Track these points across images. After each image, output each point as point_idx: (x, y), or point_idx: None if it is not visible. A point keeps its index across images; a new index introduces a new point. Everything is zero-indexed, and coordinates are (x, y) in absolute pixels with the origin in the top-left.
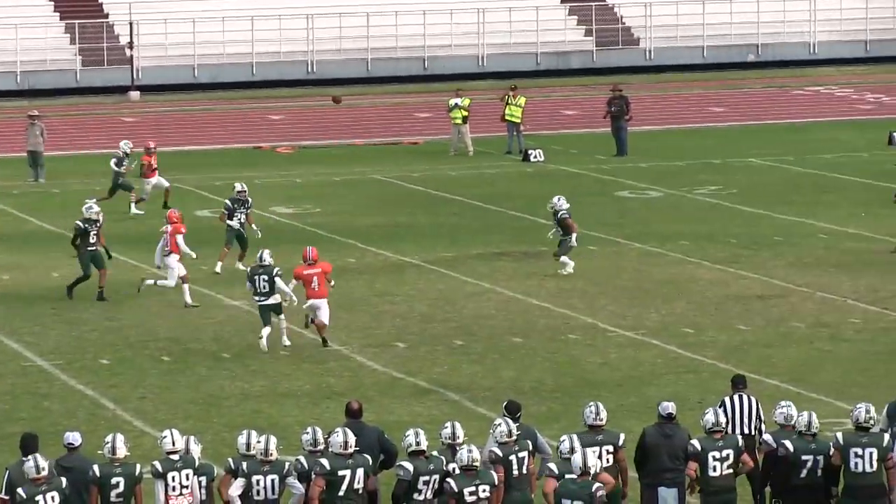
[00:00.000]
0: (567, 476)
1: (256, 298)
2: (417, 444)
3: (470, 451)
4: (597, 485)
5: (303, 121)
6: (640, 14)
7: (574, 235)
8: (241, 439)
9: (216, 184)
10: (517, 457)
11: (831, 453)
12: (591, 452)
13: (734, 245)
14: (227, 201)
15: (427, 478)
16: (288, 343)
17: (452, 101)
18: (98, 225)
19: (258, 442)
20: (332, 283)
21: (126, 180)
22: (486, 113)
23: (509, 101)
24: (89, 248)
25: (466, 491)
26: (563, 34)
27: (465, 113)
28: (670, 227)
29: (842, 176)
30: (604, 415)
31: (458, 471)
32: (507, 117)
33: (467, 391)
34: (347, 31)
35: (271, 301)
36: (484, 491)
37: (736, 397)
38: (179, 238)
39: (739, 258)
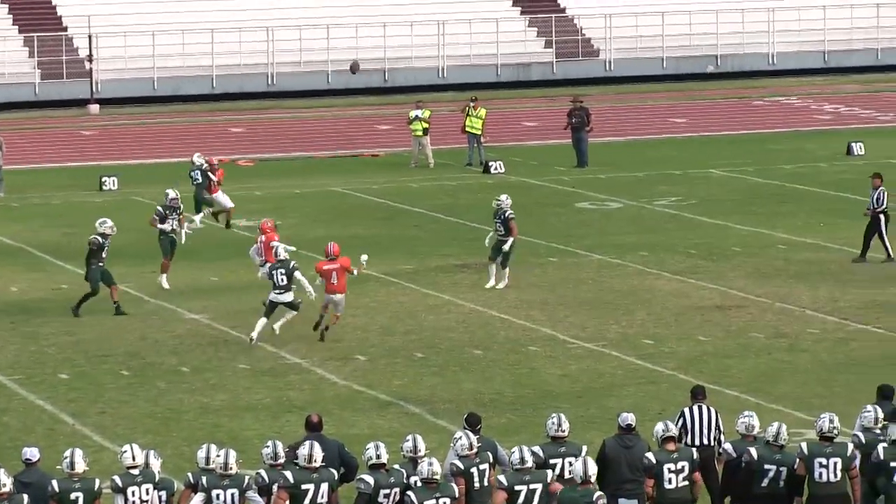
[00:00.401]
0: (569, 486)
1: (273, 293)
2: (378, 457)
3: (431, 463)
4: (598, 493)
5: (263, 133)
6: (600, 26)
7: (512, 240)
8: (201, 453)
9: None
10: (478, 469)
11: (796, 465)
12: (591, 461)
13: (694, 256)
14: (160, 207)
15: (388, 491)
16: (278, 332)
17: (413, 113)
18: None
19: (218, 456)
20: (356, 272)
21: (207, 195)
22: (446, 125)
23: (470, 113)
24: (100, 264)
25: (412, 480)
26: (523, 46)
27: (426, 125)
28: (630, 238)
29: (801, 186)
30: (566, 426)
31: (419, 484)
32: (467, 129)
33: (428, 404)
34: (308, 43)
35: (286, 298)
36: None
37: (696, 408)
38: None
39: (699, 269)
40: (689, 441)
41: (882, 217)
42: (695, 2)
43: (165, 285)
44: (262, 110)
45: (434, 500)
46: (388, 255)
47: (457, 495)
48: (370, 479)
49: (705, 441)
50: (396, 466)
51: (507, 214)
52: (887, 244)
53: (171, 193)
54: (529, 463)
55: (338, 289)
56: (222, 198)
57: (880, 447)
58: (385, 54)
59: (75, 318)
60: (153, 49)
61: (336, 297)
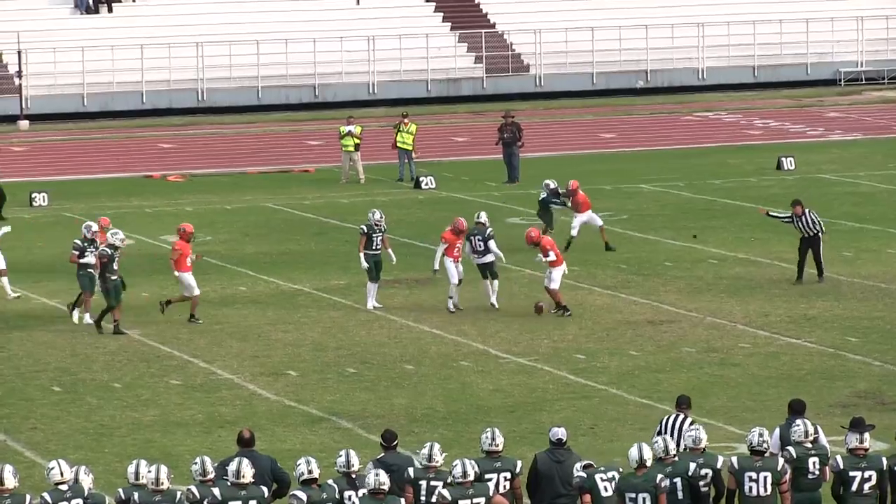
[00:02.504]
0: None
1: (474, 257)
2: (310, 472)
3: (377, 474)
4: (660, 476)
5: (193, 149)
6: (530, 41)
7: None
8: (131, 469)
9: (107, 213)
10: (428, 484)
11: (724, 476)
12: (646, 446)
13: (625, 271)
14: (78, 241)
15: None
16: (496, 306)
17: (344, 129)
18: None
19: (149, 472)
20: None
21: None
22: (377, 140)
23: (400, 129)
24: (113, 278)
25: (346, 494)
26: (453, 61)
27: (358, 140)
28: (561, 253)
29: (731, 201)
30: (500, 440)
31: (366, 494)
32: (398, 144)
33: (360, 419)
34: (237, 58)
35: (486, 259)
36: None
37: (673, 416)
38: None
39: (630, 284)
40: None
41: (821, 237)
42: (624, 17)
43: (75, 320)
44: (192, 126)
45: None
46: (319, 270)
47: None
48: (303, 495)
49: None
50: (330, 482)
51: (488, 233)
52: (822, 264)
53: (94, 227)
54: (471, 476)
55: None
56: (590, 216)
57: (838, 457)
58: (315, 70)
59: (99, 333)
60: (83, 65)
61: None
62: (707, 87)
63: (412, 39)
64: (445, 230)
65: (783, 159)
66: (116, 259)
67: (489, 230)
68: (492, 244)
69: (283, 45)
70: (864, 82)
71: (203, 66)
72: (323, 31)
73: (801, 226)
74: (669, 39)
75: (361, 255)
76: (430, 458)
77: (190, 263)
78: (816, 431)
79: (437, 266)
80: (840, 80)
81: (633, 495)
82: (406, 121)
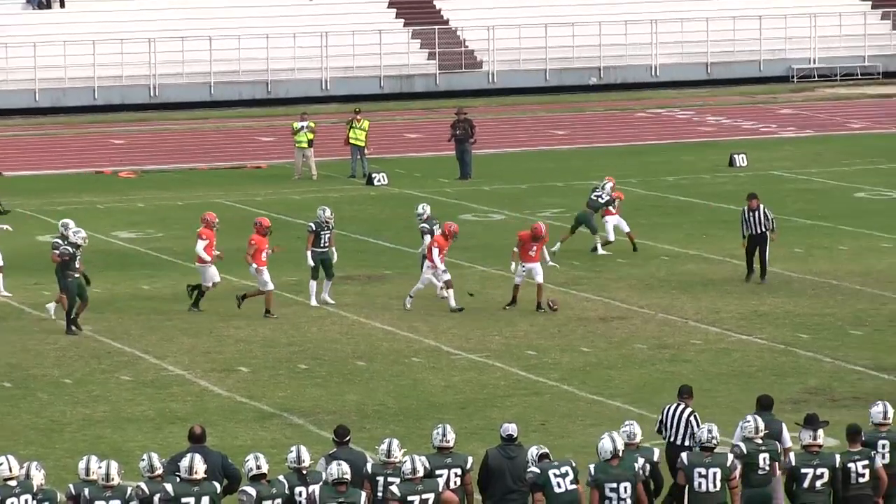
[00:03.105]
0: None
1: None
2: (258, 468)
3: (339, 464)
4: (642, 461)
5: (145, 145)
6: (483, 37)
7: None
8: (82, 464)
9: (58, 209)
10: (385, 480)
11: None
12: (617, 435)
13: (577, 267)
14: (58, 240)
15: (269, 502)
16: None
17: (298, 125)
18: (81, 250)
19: (99, 467)
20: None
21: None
22: (329, 137)
23: (353, 125)
24: (75, 276)
25: (297, 490)
26: (406, 57)
27: (311, 136)
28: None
29: (683, 198)
30: (451, 436)
31: (330, 481)
32: (350, 141)
33: (311, 415)
34: (190, 54)
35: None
36: (314, 492)
37: (674, 406)
38: (435, 251)
39: (582, 280)
40: (669, 438)
41: (768, 235)
42: (578, 14)
43: (52, 313)
44: (144, 122)
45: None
46: (271, 266)
47: (363, 502)
48: (252, 491)
49: (678, 441)
50: (280, 478)
51: (422, 227)
52: (767, 265)
53: (71, 224)
54: (421, 472)
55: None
56: (618, 220)
57: (792, 454)
58: (268, 66)
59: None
60: (35, 60)
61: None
62: (660, 84)
63: (365, 35)
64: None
65: (736, 156)
66: (78, 258)
67: (424, 226)
68: (427, 238)
69: (236, 42)
70: (816, 79)
71: (155, 61)
72: (275, 27)
73: (752, 221)
74: (623, 36)
75: (308, 252)
76: (388, 454)
77: (265, 258)
78: (781, 430)
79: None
80: (793, 77)
81: (615, 485)
82: (359, 117)
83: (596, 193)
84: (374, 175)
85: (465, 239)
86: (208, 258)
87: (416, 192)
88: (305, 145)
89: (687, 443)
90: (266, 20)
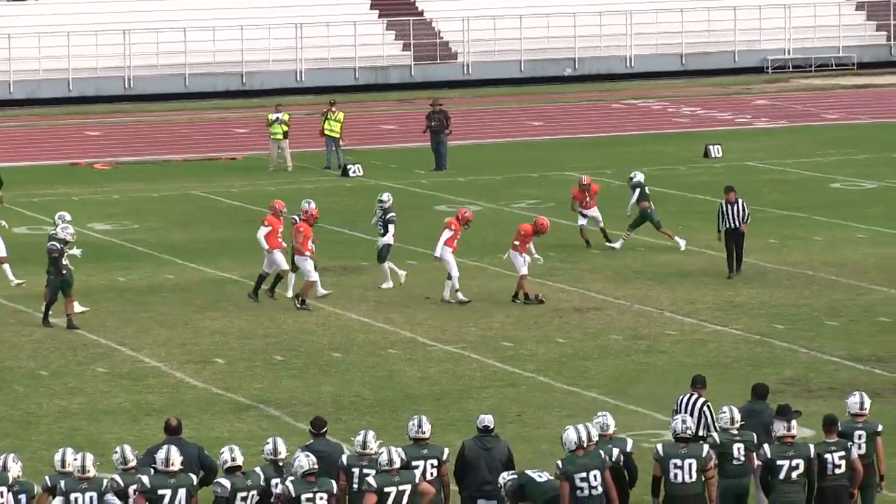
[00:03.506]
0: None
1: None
2: (233, 459)
3: (308, 456)
4: (616, 451)
5: (120, 137)
6: (458, 29)
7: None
8: (57, 456)
9: (34, 200)
10: (361, 471)
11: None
12: (582, 427)
13: (552, 258)
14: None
15: (245, 494)
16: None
17: (272, 116)
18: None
19: (75, 459)
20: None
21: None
22: (304, 128)
23: (328, 117)
24: (62, 273)
25: (304, 497)
26: (381, 49)
27: (286, 128)
28: (489, 240)
29: (659, 189)
30: (426, 427)
31: (297, 477)
32: (325, 132)
33: (287, 407)
34: (164, 46)
35: (386, 241)
36: (321, 499)
37: (687, 396)
38: (447, 232)
39: (557, 271)
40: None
41: (743, 228)
42: (553, 5)
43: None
44: (118, 113)
45: (311, 494)
46: (247, 258)
47: (335, 491)
48: (226, 483)
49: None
50: (257, 469)
51: (390, 215)
52: (743, 258)
53: (67, 216)
54: (398, 463)
55: None
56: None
57: (766, 446)
58: (242, 57)
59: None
60: (9, 52)
61: None
62: (635, 75)
63: (340, 27)
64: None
65: (710, 147)
66: (66, 253)
67: (392, 214)
68: (391, 228)
69: (211, 33)
70: (791, 70)
71: (130, 53)
72: (250, 18)
73: (730, 215)
74: (598, 27)
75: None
76: (364, 445)
77: (312, 247)
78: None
79: (437, 253)
80: (767, 68)
81: (584, 474)
82: (333, 109)
83: (639, 183)
84: (349, 166)
85: (439, 230)
86: (265, 246)
87: (392, 184)
88: (280, 137)
89: (701, 432)
90: (240, 11)
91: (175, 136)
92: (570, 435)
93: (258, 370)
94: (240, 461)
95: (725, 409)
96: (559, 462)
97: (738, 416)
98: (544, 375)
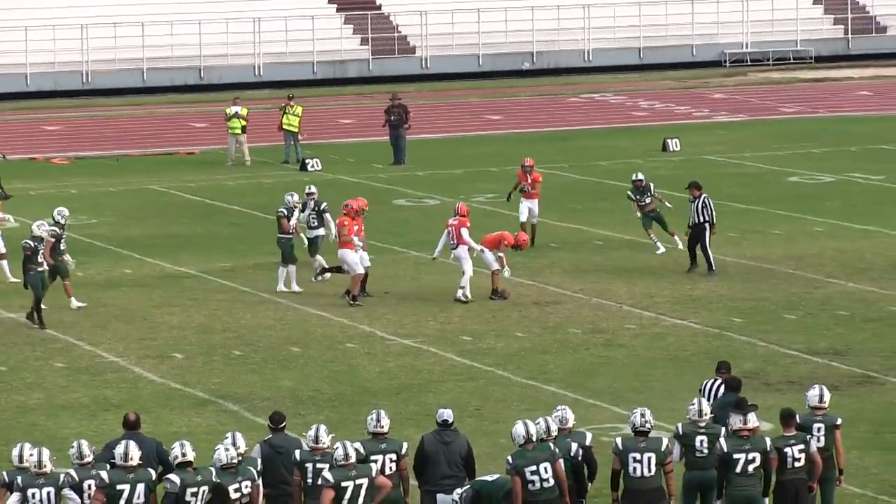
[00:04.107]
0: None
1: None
2: (183, 455)
3: (227, 449)
4: (575, 445)
5: (78, 132)
6: (416, 23)
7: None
8: (15, 452)
9: None
10: (314, 466)
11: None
12: (530, 422)
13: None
14: (56, 229)
15: (195, 489)
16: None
17: (231, 110)
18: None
19: (31, 454)
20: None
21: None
22: (263, 122)
23: (286, 111)
24: (39, 269)
25: (231, 488)
26: (339, 43)
27: (244, 122)
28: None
29: (617, 183)
30: (385, 422)
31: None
32: (284, 127)
33: (246, 401)
34: (122, 40)
35: (318, 232)
36: (247, 486)
37: (711, 381)
38: (465, 231)
39: (516, 265)
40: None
41: (707, 227)
42: None
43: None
44: (77, 108)
45: (237, 484)
46: (205, 253)
47: (256, 479)
48: (176, 479)
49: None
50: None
51: (323, 206)
52: (710, 256)
53: (65, 211)
54: (353, 458)
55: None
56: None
57: (722, 439)
58: (201, 52)
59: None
60: None
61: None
62: (593, 69)
63: (298, 21)
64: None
65: (668, 141)
66: (41, 251)
67: (324, 203)
68: (327, 217)
69: (169, 28)
70: (748, 64)
71: (88, 48)
72: (208, 12)
73: (692, 210)
74: (555, 21)
75: (302, 235)
76: (316, 440)
77: (358, 241)
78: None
79: (436, 254)
80: (725, 62)
81: (534, 468)
82: (292, 103)
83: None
84: (307, 161)
85: (398, 225)
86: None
87: (351, 178)
88: (239, 131)
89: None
90: (198, 6)
91: (133, 131)
92: (519, 429)
93: (217, 365)
94: (190, 457)
95: (695, 401)
96: (509, 457)
97: (706, 409)
98: (503, 369)
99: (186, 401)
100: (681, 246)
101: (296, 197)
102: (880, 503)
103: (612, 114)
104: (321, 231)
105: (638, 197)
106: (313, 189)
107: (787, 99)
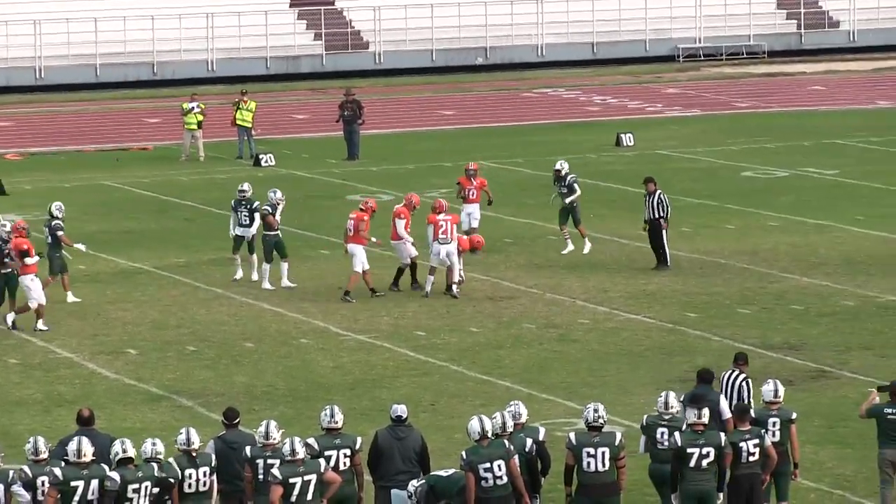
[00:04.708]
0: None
1: (240, 229)
2: (124, 451)
3: (154, 443)
4: (529, 440)
5: (31, 127)
6: (369, 18)
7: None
8: None
9: None
10: (265, 462)
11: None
12: (486, 418)
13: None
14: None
15: (136, 486)
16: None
17: (188, 105)
18: (9, 245)
19: None
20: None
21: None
22: (216, 118)
23: (240, 106)
24: (5, 271)
25: (131, 488)
26: (292, 38)
27: (201, 117)
28: (389, 230)
29: None
30: (339, 417)
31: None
32: (237, 122)
33: (200, 397)
34: (75, 36)
35: (252, 231)
36: (146, 487)
37: (728, 372)
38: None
39: (470, 260)
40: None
41: (662, 223)
42: None
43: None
44: (30, 104)
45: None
46: (159, 248)
47: (213, 463)
48: (116, 476)
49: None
50: (170, 460)
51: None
52: (667, 251)
53: (63, 206)
54: (301, 454)
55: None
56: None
57: (677, 434)
58: (154, 47)
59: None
60: None
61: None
62: (546, 64)
63: (251, 16)
64: (431, 214)
65: (622, 136)
66: (6, 252)
67: (257, 202)
68: (257, 217)
69: (122, 23)
70: (702, 59)
71: (40, 43)
72: (161, 7)
73: (646, 205)
74: (509, 16)
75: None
76: (266, 436)
77: (375, 239)
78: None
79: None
80: (678, 57)
81: (488, 465)
82: (245, 98)
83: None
84: (261, 156)
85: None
86: (404, 235)
87: (304, 173)
88: (195, 126)
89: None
90: (151, 1)
91: (86, 127)
92: (474, 425)
93: (171, 360)
94: (131, 453)
95: (662, 394)
96: (463, 453)
97: (672, 402)
98: (458, 364)
99: (140, 396)
100: (587, 249)
101: (279, 193)
102: (835, 497)
103: (565, 109)
104: (253, 230)
105: (556, 186)
106: (245, 187)
107: (741, 94)
